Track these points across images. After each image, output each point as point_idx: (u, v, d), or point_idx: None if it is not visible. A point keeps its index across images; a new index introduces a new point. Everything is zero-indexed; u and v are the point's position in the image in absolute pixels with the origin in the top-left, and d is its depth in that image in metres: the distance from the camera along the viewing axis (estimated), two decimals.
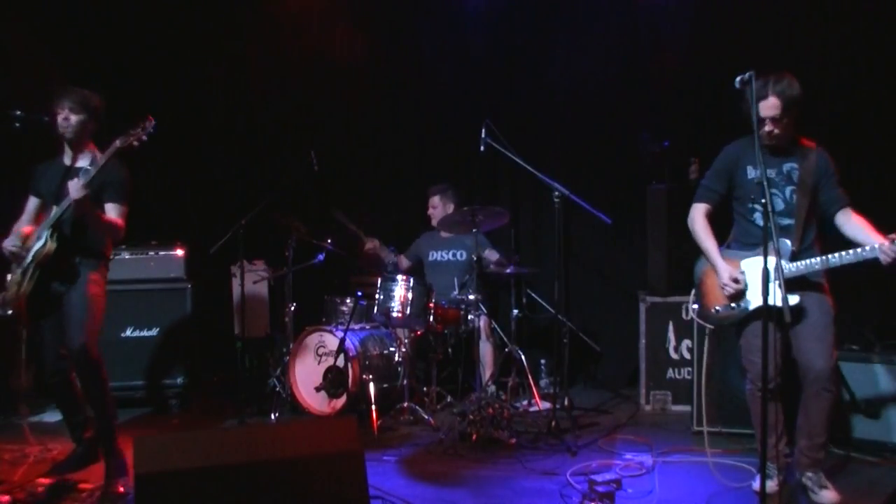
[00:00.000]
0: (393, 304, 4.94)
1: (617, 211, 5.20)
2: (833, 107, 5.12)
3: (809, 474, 3.49)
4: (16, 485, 3.67)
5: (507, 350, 5.37)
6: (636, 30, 6.00)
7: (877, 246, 3.22)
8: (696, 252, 3.75)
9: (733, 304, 3.54)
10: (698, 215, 3.70)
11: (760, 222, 3.47)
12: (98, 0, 6.09)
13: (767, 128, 3.39)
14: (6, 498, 3.48)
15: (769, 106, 3.35)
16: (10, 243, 3.72)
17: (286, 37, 6.63)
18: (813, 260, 3.35)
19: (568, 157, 6.14)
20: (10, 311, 3.68)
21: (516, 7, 6.31)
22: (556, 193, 4.61)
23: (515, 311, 5.39)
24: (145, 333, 5.37)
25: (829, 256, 3.31)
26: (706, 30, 5.70)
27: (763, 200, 2.98)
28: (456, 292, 5.29)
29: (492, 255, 5.64)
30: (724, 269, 3.53)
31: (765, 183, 3.03)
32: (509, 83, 6.38)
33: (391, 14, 6.60)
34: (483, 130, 4.78)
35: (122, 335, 5.29)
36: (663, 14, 5.86)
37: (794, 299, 3.30)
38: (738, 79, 3.09)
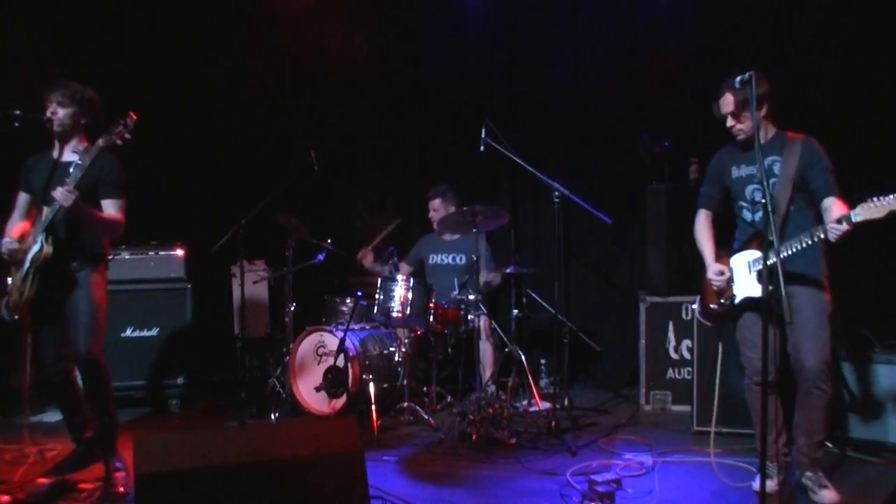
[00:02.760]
0: (393, 304, 4.94)
1: (617, 211, 5.20)
2: (831, 106, 5.12)
3: (809, 474, 3.50)
4: (16, 485, 3.67)
5: (507, 350, 5.37)
6: (636, 30, 6.00)
7: (826, 227, 3.19)
8: (697, 253, 3.78)
9: (722, 300, 3.60)
10: (698, 220, 3.82)
11: (747, 218, 3.61)
12: None
13: (728, 123, 3.51)
14: (6, 498, 3.48)
15: (724, 102, 3.49)
16: (7, 244, 3.70)
17: (286, 36, 6.63)
18: (790, 243, 3.30)
19: (568, 157, 6.14)
20: (16, 317, 3.69)
21: (516, 7, 6.31)
22: (556, 193, 4.60)
23: (515, 311, 5.39)
24: (145, 333, 5.37)
25: (798, 240, 3.27)
26: (706, 30, 5.70)
27: (763, 199, 2.99)
28: (456, 292, 5.29)
29: (490, 277, 5.54)
30: (711, 264, 3.64)
31: (764, 182, 3.05)
32: (509, 83, 6.37)
33: (391, 13, 6.60)
34: (483, 130, 4.77)
35: (123, 335, 5.29)
36: (663, 14, 5.86)
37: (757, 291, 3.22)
38: (737, 79, 3.11)
